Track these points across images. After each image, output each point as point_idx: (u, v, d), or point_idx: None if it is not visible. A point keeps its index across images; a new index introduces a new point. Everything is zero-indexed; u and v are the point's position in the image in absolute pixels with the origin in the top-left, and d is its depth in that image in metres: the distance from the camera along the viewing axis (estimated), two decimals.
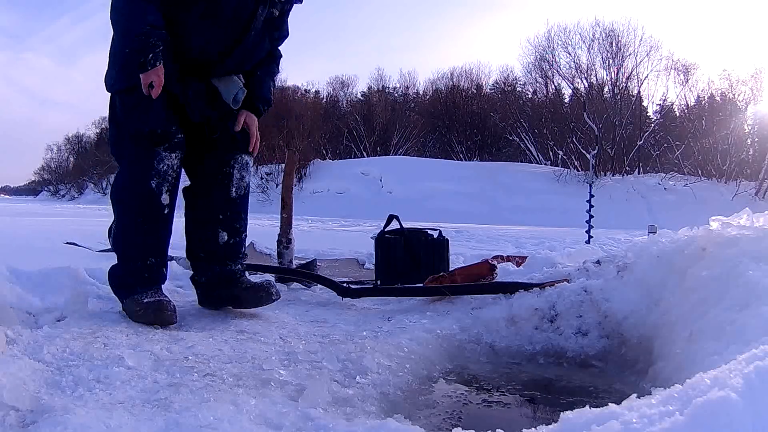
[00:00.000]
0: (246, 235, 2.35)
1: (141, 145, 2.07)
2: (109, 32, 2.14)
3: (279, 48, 2.38)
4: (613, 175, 19.42)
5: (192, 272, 2.37)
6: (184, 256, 2.37)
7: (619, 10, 60.05)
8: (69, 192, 43.36)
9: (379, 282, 3.05)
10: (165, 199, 2.09)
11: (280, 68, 2.42)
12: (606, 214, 10.64)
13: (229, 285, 2.25)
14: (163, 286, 2.16)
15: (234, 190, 2.25)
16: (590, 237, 6.19)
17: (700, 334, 1.47)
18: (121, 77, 2.13)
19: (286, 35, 2.36)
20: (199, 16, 2.08)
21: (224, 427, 1.16)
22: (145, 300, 2.00)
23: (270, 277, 2.88)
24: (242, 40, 2.16)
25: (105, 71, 2.19)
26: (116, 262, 2.17)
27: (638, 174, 20.32)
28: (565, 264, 2.53)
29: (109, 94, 2.20)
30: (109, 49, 2.19)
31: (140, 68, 1.98)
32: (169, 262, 2.22)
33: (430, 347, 1.92)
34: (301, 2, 2.29)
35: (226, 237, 2.25)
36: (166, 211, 2.11)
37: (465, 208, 16.95)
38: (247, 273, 2.38)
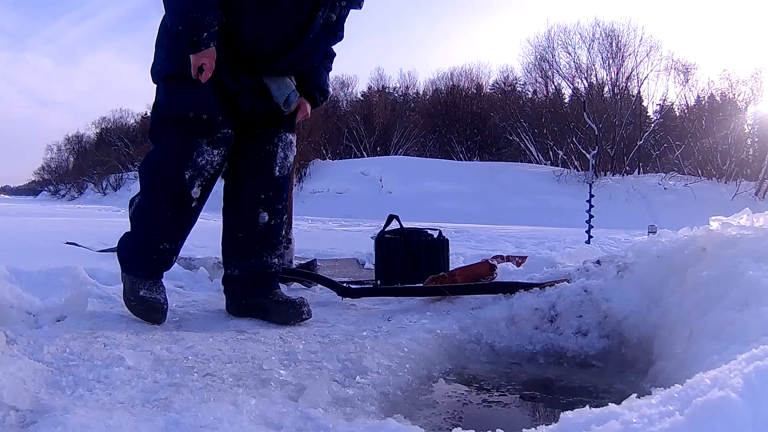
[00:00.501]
0: (287, 218, 2.30)
1: (182, 132, 1.99)
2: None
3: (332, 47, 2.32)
4: (613, 175, 19.41)
5: (224, 270, 2.28)
6: (184, 256, 2.36)
7: (619, 10, 60.25)
8: (69, 192, 43.41)
9: (379, 282, 3.05)
10: (195, 192, 2.03)
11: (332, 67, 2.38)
12: (606, 214, 10.64)
13: (260, 293, 2.19)
14: (164, 280, 2.16)
15: (277, 169, 2.18)
16: (590, 237, 6.19)
17: (700, 334, 1.47)
18: (170, 62, 2.04)
19: (341, 38, 2.29)
20: (257, 6, 2.00)
21: (224, 427, 1.16)
22: (141, 293, 2.01)
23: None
24: (300, 40, 2.08)
25: (152, 62, 2.12)
26: (130, 231, 2.13)
27: (638, 174, 20.32)
28: (565, 264, 2.53)
29: (155, 84, 2.12)
30: (156, 38, 2.13)
31: (192, 47, 1.90)
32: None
33: (430, 347, 1.92)
34: (360, 8, 2.19)
35: (267, 218, 2.18)
36: (194, 204, 2.05)
37: (465, 208, 16.95)
38: (281, 285, 2.31)
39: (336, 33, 2.23)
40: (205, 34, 1.89)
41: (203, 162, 2.00)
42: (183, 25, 1.90)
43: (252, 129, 2.15)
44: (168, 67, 2.05)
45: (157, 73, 2.10)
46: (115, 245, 2.20)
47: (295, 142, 2.25)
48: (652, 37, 25.99)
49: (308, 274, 2.87)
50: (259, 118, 2.15)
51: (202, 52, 1.91)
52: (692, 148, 19.64)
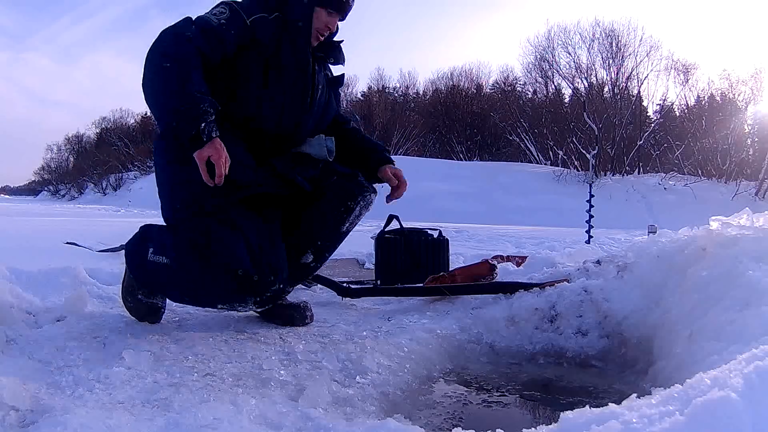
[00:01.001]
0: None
1: (228, 282, 1.74)
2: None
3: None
4: (613, 175, 19.43)
5: None
6: None
7: (619, 10, 60.33)
8: (69, 192, 43.44)
9: (379, 282, 3.05)
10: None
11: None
12: (606, 214, 10.63)
13: None
14: None
15: (347, 225, 2.07)
16: (590, 237, 6.18)
17: (700, 334, 1.47)
18: (184, 210, 1.80)
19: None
20: (260, 85, 1.91)
21: (224, 427, 1.16)
22: (139, 296, 2.00)
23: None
24: (312, 103, 2.02)
25: (160, 206, 1.94)
26: (138, 240, 2.00)
27: (638, 174, 20.34)
28: (565, 264, 2.53)
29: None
30: (157, 184, 1.94)
31: (193, 143, 1.67)
32: None
33: (430, 347, 1.92)
34: (343, 64, 2.16)
35: (310, 259, 2.08)
36: None
37: (465, 208, 16.95)
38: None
39: (339, 86, 2.20)
40: (203, 125, 1.68)
41: (243, 310, 1.89)
42: (176, 120, 1.69)
43: (328, 179, 2.05)
44: (183, 201, 1.83)
45: (171, 214, 1.89)
46: (116, 245, 2.19)
47: (374, 200, 2.13)
48: (652, 37, 26.18)
49: None
50: (322, 176, 2.04)
51: (207, 146, 1.69)
52: (692, 148, 19.65)
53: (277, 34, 1.94)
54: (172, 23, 1.87)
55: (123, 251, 2.12)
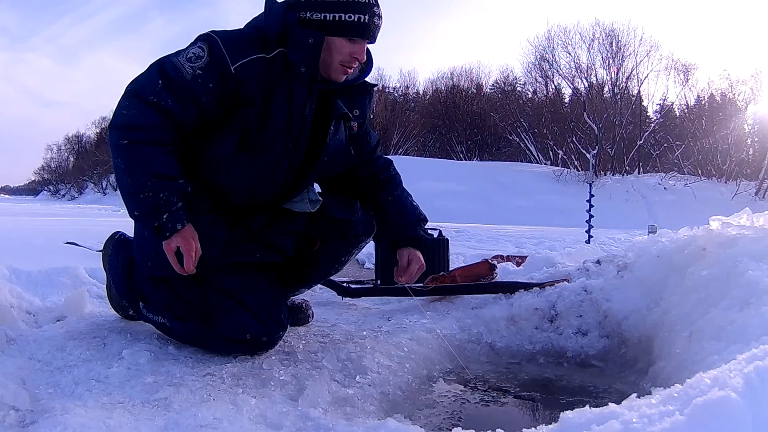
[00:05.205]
0: None
1: (238, 348, 1.66)
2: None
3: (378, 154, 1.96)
4: (613, 175, 19.43)
5: None
6: None
7: (619, 10, 60.38)
8: (69, 192, 43.49)
9: (379, 282, 3.05)
10: None
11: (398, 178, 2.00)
12: (606, 214, 10.64)
13: None
14: None
15: (341, 265, 1.95)
16: (590, 237, 6.19)
17: (700, 334, 1.47)
18: (160, 261, 1.58)
19: (375, 141, 1.94)
20: (233, 152, 1.61)
21: (224, 426, 1.16)
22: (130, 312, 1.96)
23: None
24: (305, 177, 1.72)
25: None
26: (125, 281, 1.90)
27: (638, 174, 20.34)
28: (565, 264, 2.53)
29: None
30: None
31: (157, 234, 1.53)
32: None
33: (430, 347, 1.92)
34: (371, 114, 1.86)
35: (303, 290, 2.09)
36: None
37: (465, 208, 16.94)
38: None
39: (362, 142, 1.88)
40: (165, 216, 1.50)
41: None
42: (136, 209, 1.53)
43: (326, 237, 1.85)
44: (159, 276, 1.69)
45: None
46: None
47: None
48: (652, 37, 26.24)
49: None
50: (316, 226, 1.82)
51: (173, 238, 1.52)
52: (692, 148, 19.65)
53: (272, 84, 1.59)
54: (137, 74, 1.57)
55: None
